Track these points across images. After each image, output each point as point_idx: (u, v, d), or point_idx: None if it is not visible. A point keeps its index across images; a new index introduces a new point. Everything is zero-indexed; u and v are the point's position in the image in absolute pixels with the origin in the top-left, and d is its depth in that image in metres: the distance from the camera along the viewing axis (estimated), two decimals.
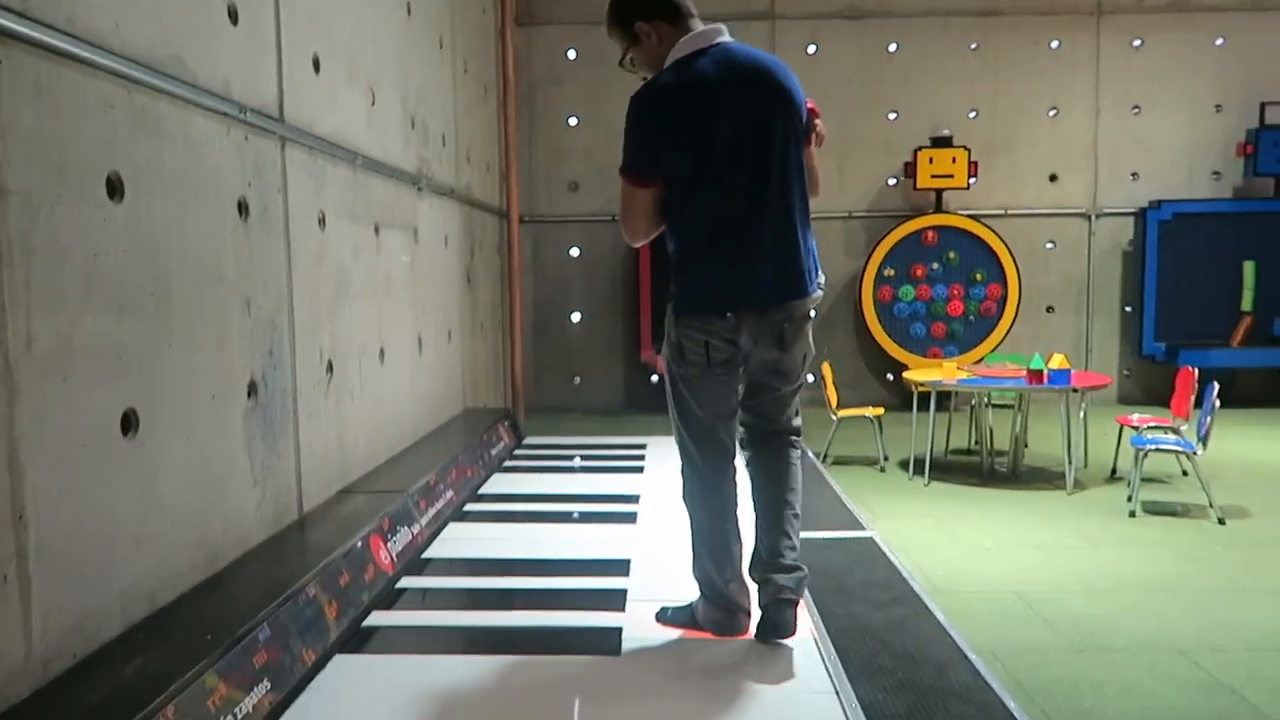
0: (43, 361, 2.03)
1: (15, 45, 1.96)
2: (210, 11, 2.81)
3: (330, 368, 3.70)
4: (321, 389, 3.62)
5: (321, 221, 3.67)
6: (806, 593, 3.06)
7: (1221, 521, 4.91)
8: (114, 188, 2.32)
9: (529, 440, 6.12)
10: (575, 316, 9.03)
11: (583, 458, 5.40)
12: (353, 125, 4.07)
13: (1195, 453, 5.07)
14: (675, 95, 2.59)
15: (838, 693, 2.42)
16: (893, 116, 8.88)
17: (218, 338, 2.81)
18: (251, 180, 3.08)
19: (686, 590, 3.03)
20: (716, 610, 2.81)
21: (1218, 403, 5.05)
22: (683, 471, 2.85)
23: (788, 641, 2.73)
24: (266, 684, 2.28)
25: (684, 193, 2.64)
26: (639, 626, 2.87)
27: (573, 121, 8.90)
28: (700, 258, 2.67)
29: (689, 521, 2.84)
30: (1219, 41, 8.76)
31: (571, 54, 8.83)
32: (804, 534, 3.63)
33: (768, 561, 2.78)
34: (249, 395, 3.00)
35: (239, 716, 2.13)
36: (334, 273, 3.78)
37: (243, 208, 3.01)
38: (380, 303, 4.38)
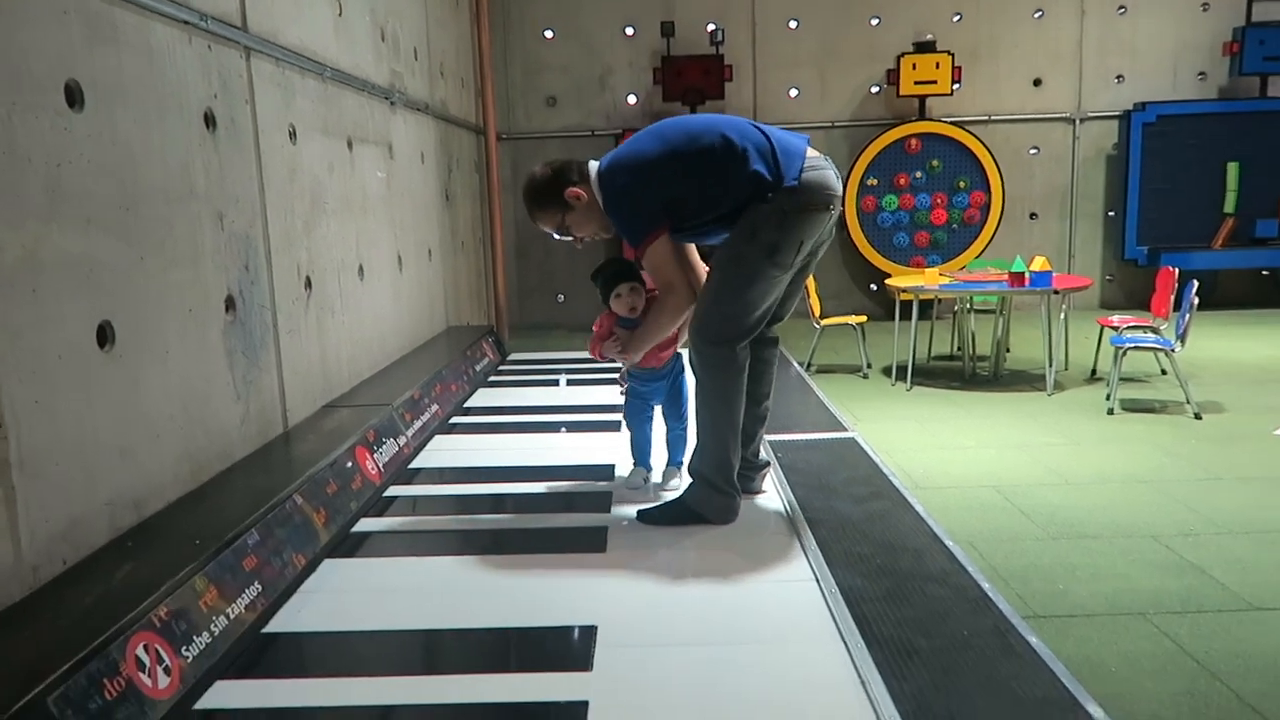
0: (10, 272, 2.01)
1: None
2: None
3: (309, 284, 3.68)
4: (301, 305, 3.60)
5: (292, 135, 3.60)
6: (789, 488, 3.14)
7: (1198, 417, 5.00)
8: (73, 96, 2.27)
9: (513, 357, 6.14)
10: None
11: (567, 372, 5.42)
12: (320, 36, 3.97)
13: (1174, 350, 5.13)
14: (646, 162, 2.80)
15: (818, 580, 2.48)
16: (875, 22, 8.72)
17: (192, 252, 2.78)
18: (217, 91, 3.02)
19: (667, 491, 3.14)
20: (722, 497, 2.91)
21: (1196, 301, 5.09)
22: (714, 366, 2.85)
23: (770, 537, 2.81)
24: (257, 586, 2.32)
25: (714, 153, 2.75)
26: (624, 525, 2.92)
27: (548, 35, 8.70)
28: (783, 164, 2.74)
29: (712, 414, 2.87)
30: None
31: None
32: (787, 436, 3.72)
33: (753, 451, 3.13)
34: (227, 310, 2.99)
35: (231, 617, 2.17)
36: (308, 187, 3.73)
37: (209, 120, 2.95)
38: (357, 219, 4.34)
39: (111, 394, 2.35)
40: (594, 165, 2.93)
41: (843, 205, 2.91)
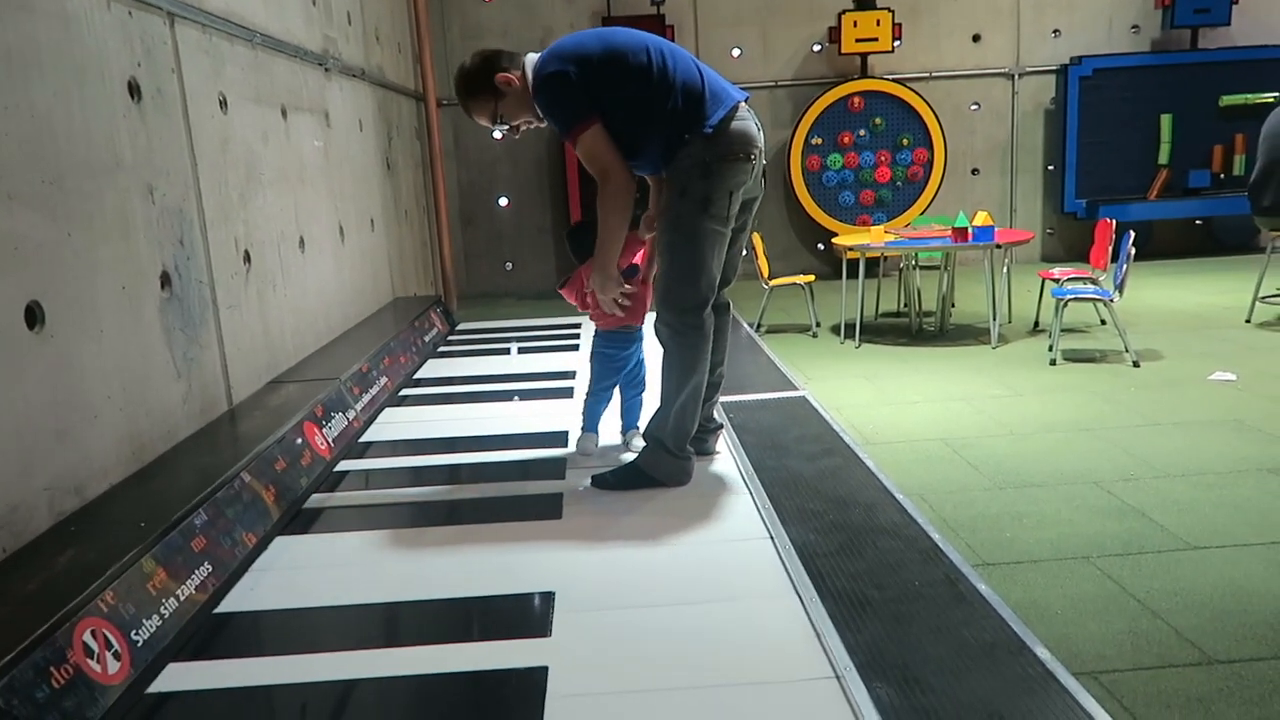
0: None
1: None
2: None
3: (248, 257, 3.59)
4: (240, 279, 3.51)
5: (223, 104, 3.49)
6: (741, 449, 3.16)
7: (1136, 365, 5.13)
8: None
9: (462, 326, 6.07)
10: (503, 202, 8.86)
11: (518, 339, 5.39)
12: (247, 1, 3.84)
13: (1112, 300, 5.24)
14: (582, 57, 2.74)
15: (772, 537, 2.51)
16: None
17: (122, 227, 2.69)
18: (141, 60, 2.91)
19: (622, 456, 3.15)
20: (676, 461, 2.93)
21: (1133, 251, 5.20)
22: (680, 333, 2.83)
23: (723, 497, 2.83)
24: (207, 567, 2.28)
25: (648, 76, 2.73)
26: (579, 491, 2.92)
27: None
28: (707, 107, 2.74)
29: (677, 382, 2.87)
30: None
31: None
32: (739, 397, 3.74)
33: (707, 414, 3.12)
34: (162, 286, 2.90)
35: (181, 599, 2.13)
36: (242, 158, 3.63)
37: (134, 89, 2.84)
38: (295, 190, 4.23)
39: (44, 376, 2.27)
40: (531, 56, 2.89)
41: (765, 158, 2.91)
